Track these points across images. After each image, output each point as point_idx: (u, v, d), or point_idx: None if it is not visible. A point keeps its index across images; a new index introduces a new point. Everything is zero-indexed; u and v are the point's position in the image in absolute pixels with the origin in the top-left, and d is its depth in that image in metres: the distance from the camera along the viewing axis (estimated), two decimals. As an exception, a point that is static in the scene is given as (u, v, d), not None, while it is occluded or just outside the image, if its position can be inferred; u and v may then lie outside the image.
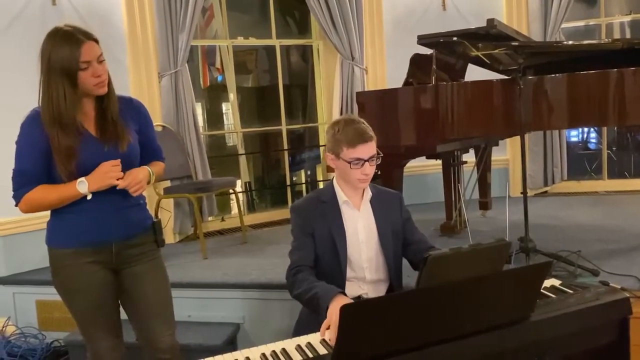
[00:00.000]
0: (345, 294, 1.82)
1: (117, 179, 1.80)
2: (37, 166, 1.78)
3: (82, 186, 1.77)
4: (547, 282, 1.68)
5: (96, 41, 1.79)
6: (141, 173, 1.88)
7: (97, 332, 1.94)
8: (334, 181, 2.05)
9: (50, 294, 3.25)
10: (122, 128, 1.87)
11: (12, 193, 1.81)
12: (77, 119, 1.80)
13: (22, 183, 1.80)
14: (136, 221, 1.94)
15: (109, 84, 1.85)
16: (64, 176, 1.78)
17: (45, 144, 1.76)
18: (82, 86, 1.77)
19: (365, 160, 1.92)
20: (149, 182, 1.93)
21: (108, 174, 1.79)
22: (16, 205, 1.82)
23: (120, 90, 1.93)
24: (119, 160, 1.82)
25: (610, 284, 1.58)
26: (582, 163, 6.30)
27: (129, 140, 1.88)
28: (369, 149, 1.92)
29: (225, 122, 6.46)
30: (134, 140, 1.91)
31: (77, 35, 1.75)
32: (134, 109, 1.97)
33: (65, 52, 1.72)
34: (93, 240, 1.85)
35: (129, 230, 1.92)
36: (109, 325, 1.95)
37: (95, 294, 1.89)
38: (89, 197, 1.80)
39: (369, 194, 2.04)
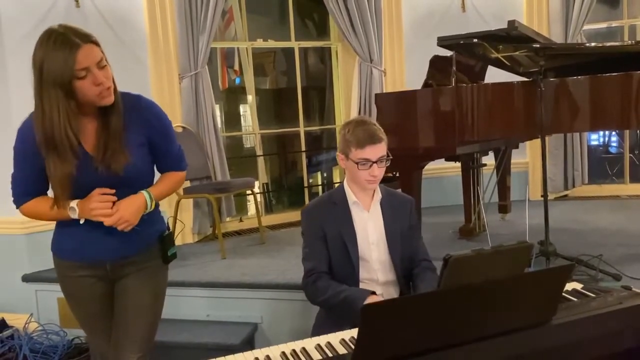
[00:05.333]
0: (376, 294, 1.85)
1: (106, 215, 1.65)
2: (32, 178, 1.67)
3: (73, 212, 1.67)
4: (569, 286, 1.67)
5: (96, 43, 1.56)
6: (130, 207, 1.68)
7: (95, 339, 1.91)
8: (345, 182, 2.05)
9: (72, 291, 3.34)
10: (121, 146, 1.64)
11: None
12: (74, 135, 1.58)
13: (19, 193, 1.71)
14: (136, 240, 1.77)
15: (115, 92, 1.62)
16: (59, 200, 1.64)
17: (39, 158, 1.61)
18: (82, 98, 1.56)
19: (374, 162, 1.91)
20: (147, 208, 1.74)
21: (95, 211, 1.63)
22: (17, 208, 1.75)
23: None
24: (112, 193, 1.66)
25: (633, 289, 1.55)
26: (603, 167, 6.20)
27: (127, 160, 1.65)
28: (378, 150, 1.91)
29: (243, 123, 6.50)
30: (135, 157, 1.68)
31: (72, 38, 1.50)
32: (142, 114, 1.72)
33: (58, 60, 1.49)
34: (86, 257, 1.77)
35: (127, 251, 1.77)
36: (106, 333, 1.87)
37: (91, 305, 1.84)
38: (82, 221, 1.68)
39: (378, 195, 2.04)
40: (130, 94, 1.73)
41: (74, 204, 1.66)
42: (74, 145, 1.58)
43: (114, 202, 1.68)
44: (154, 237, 1.84)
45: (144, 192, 1.74)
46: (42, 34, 1.53)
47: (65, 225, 1.75)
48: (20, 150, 1.65)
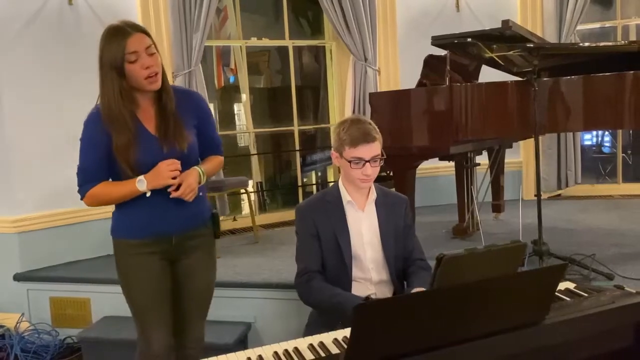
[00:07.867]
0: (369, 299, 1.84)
1: (173, 178, 1.81)
2: (97, 164, 1.82)
3: (141, 184, 1.81)
4: (562, 285, 1.67)
5: (146, 33, 1.79)
6: (192, 177, 1.87)
7: (152, 321, 1.97)
8: (340, 181, 2.05)
9: (64, 290, 3.32)
10: (181, 127, 1.86)
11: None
12: (134, 116, 1.80)
13: (85, 180, 1.84)
14: (195, 214, 1.97)
15: (164, 79, 1.83)
16: (126, 172, 1.80)
17: (104, 141, 1.78)
18: (132, 80, 1.76)
19: (367, 161, 1.90)
20: (199, 182, 1.92)
21: (163, 173, 1.80)
22: (81, 199, 1.87)
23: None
24: (174, 160, 1.83)
25: (626, 288, 1.55)
26: (596, 166, 6.24)
27: (189, 140, 1.87)
28: (371, 149, 1.91)
29: (238, 122, 6.48)
30: (192, 137, 1.91)
31: (124, 27, 1.75)
32: (192, 102, 1.95)
33: (113, 46, 1.73)
34: (154, 232, 1.90)
35: (189, 223, 1.95)
36: (163, 315, 1.97)
37: (154, 284, 1.93)
38: (148, 194, 1.83)
39: (373, 194, 2.03)
40: (179, 86, 1.94)
41: (141, 177, 1.81)
42: (128, 120, 1.78)
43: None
44: (207, 214, 2.04)
45: (196, 167, 1.92)
46: (104, 30, 1.77)
47: (129, 206, 1.88)
48: (87, 139, 1.83)
